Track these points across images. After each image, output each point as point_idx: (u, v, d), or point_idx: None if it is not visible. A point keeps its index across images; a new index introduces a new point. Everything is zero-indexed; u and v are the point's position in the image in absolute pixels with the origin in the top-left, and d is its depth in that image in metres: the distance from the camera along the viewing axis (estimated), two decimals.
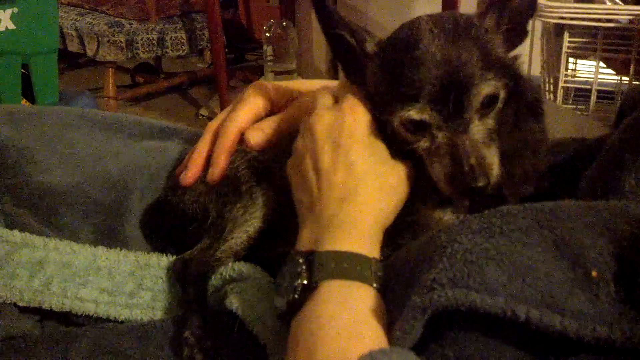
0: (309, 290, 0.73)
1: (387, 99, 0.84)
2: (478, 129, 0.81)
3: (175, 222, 1.07)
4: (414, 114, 0.80)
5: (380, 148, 0.85)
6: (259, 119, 1.00)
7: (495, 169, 0.81)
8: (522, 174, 0.90)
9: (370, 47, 0.87)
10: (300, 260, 0.76)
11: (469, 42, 0.80)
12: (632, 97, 0.96)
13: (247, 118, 0.99)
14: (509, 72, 0.84)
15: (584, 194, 0.83)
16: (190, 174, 0.99)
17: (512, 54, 0.89)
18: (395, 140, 0.85)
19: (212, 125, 1.03)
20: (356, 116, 0.85)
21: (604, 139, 0.92)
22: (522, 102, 0.88)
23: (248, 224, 0.97)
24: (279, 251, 0.86)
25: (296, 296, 0.73)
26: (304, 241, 0.80)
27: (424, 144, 0.83)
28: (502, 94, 0.82)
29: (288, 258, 0.78)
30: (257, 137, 0.96)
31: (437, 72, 0.78)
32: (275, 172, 0.98)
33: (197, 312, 0.92)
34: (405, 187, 0.85)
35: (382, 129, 0.86)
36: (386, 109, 0.83)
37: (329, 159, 0.83)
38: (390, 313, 0.71)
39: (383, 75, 0.85)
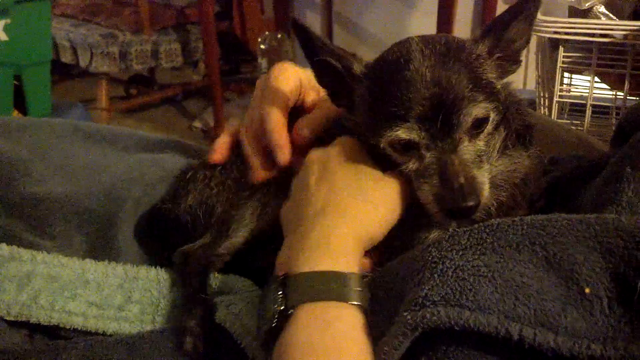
0: (286, 317, 0.72)
1: (375, 120, 0.83)
2: (468, 149, 0.81)
3: (170, 229, 1.07)
4: (402, 133, 0.80)
5: (367, 167, 0.85)
6: (294, 97, 1.02)
7: (485, 190, 0.80)
8: (510, 202, 0.89)
9: (358, 69, 0.88)
10: (274, 286, 0.75)
11: (459, 65, 0.80)
12: (633, 114, 0.96)
13: (287, 94, 1.00)
14: (500, 98, 0.84)
15: (586, 208, 0.82)
16: (287, 152, 0.97)
17: (505, 80, 0.90)
18: (384, 162, 0.85)
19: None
20: (346, 144, 0.88)
21: (605, 157, 0.92)
22: (511, 129, 0.89)
23: (253, 224, 0.98)
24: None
25: (274, 324, 0.72)
26: (281, 264, 0.79)
27: (412, 165, 0.82)
28: (492, 117, 0.82)
29: (267, 283, 0.78)
30: (307, 131, 0.98)
31: (427, 93, 0.78)
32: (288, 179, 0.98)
33: (201, 303, 0.91)
34: (396, 201, 0.84)
35: (372, 152, 0.86)
36: (375, 129, 0.83)
37: (314, 179, 0.85)
38: (377, 325, 0.70)
39: (372, 95, 0.85)
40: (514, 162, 0.90)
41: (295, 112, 1.03)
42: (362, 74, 0.88)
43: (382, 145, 0.83)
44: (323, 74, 0.91)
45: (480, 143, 0.82)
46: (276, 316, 0.72)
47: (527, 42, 0.88)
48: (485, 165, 0.82)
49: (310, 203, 0.82)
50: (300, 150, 0.97)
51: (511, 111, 0.89)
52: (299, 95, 1.03)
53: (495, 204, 0.87)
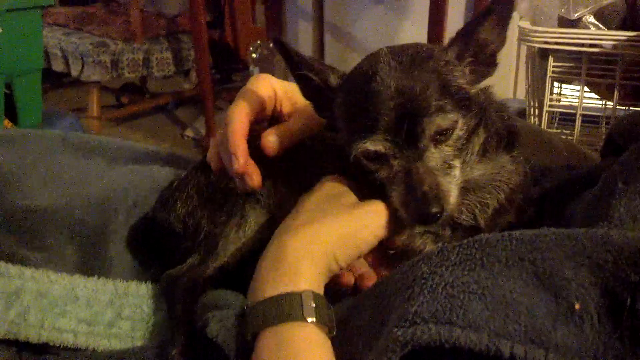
0: (248, 346, 0.74)
1: (348, 131, 0.86)
2: (434, 156, 0.82)
3: (162, 239, 1.06)
4: (369, 145, 0.82)
5: (342, 194, 0.87)
6: (264, 107, 1.01)
7: (451, 197, 0.82)
8: (494, 206, 0.90)
9: (333, 81, 0.90)
10: (235, 320, 0.77)
11: (425, 73, 0.82)
12: (624, 125, 0.96)
13: (252, 103, 0.99)
14: (474, 103, 0.85)
15: (577, 223, 0.83)
16: (239, 159, 0.96)
17: (485, 84, 0.91)
18: (359, 170, 0.87)
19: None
20: (327, 181, 0.90)
21: (596, 168, 0.92)
22: (490, 133, 0.89)
23: (241, 242, 0.97)
24: None
25: (239, 354, 0.74)
26: (249, 296, 0.80)
27: (383, 172, 0.84)
28: (459, 123, 0.83)
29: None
30: (274, 141, 0.97)
31: (392, 103, 0.80)
32: (267, 192, 0.99)
33: (185, 330, 0.90)
34: (369, 222, 0.84)
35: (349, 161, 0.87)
36: (348, 141, 0.85)
37: (295, 210, 0.87)
38: (364, 339, 0.70)
39: (345, 107, 0.88)
40: (496, 166, 0.91)
41: (274, 122, 1.03)
42: (337, 85, 0.90)
43: (354, 155, 0.84)
44: (305, 87, 0.93)
45: (448, 149, 0.83)
46: (240, 347, 0.75)
47: (502, 43, 0.88)
48: (454, 171, 0.84)
49: (278, 229, 0.85)
50: (262, 159, 0.97)
51: (490, 115, 0.90)
52: (275, 105, 1.03)
53: (478, 206, 0.89)
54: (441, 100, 0.80)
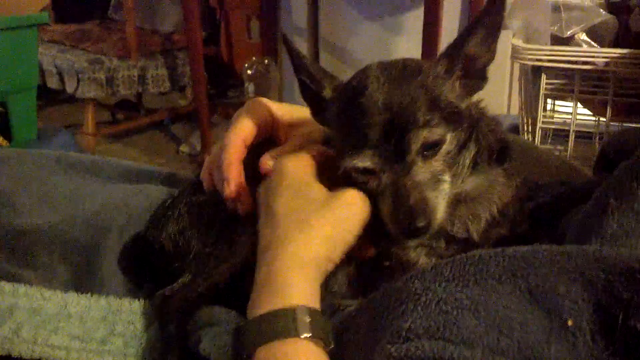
0: None
1: (338, 145, 0.87)
2: (421, 170, 0.82)
3: (154, 258, 1.06)
4: (358, 162, 0.83)
5: (310, 189, 0.86)
6: (260, 132, 1.02)
7: (438, 211, 0.82)
8: (486, 218, 0.90)
9: (327, 93, 0.91)
10: (228, 337, 0.77)
11: (413, 87, 0.82)
12: (616, 141, 0.97)
13: (249, 128, 1.00)
14: (464, 117, 0.85)
15: (570, 239, 0.83)
16: (231, 185, 0.96)
17: (476, 98, 0.91)
18: (350, 181, 0.87)
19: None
20: (284, 168, 0.88)
21: (589, 183, 0.92)
22: (481, 146, 0.89)
23: (232, 260, 0.96)
24: None
25: None
26: (247, 314, 0.80)
27: (372, 184, 0.85)
28: (448, 137, 0.83)
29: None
30: (272, 163, 0.96)
31: (379, 118, 0.81)
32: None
33: (176, 350, 0.90)
34: (347, 218, 0.84)
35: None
36: (338, 155, 0.87)
37: (262, 219, 0.87)
38: (356, 354, 0.70)
39: (335, 121, 0.89)
40: (488, 178, 0.91)
41: (270, 145, 1.03)
42: (330, 99, 0.91)
43: (343, 168, 0.85)
44: (304, 89, 0.95)
45: (437, 164, 0.84)
46: None
47: (492, 57, 0.89)
48: (443, 185, 0.84)
49: (260, 244, 0.84)
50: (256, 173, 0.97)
51: (482, 128, 0.90)
52: (271, 129, 1.04)
53: (470, 217, 0.89)
54: (429, 114, 0.81)
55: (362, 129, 0.81)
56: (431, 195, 0.82)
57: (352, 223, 0.84)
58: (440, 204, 0.83)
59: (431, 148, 0.82)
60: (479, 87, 0.90)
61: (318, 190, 0.86)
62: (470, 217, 0.89)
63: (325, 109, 0.92)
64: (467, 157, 0.88)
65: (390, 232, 0.83)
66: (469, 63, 0.88)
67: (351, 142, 0.83)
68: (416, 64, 0.87)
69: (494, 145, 0.92)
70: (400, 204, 0.81)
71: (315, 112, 0.96)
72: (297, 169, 0.88)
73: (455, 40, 0.88)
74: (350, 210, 0.84)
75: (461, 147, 0.86)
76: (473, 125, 0.87)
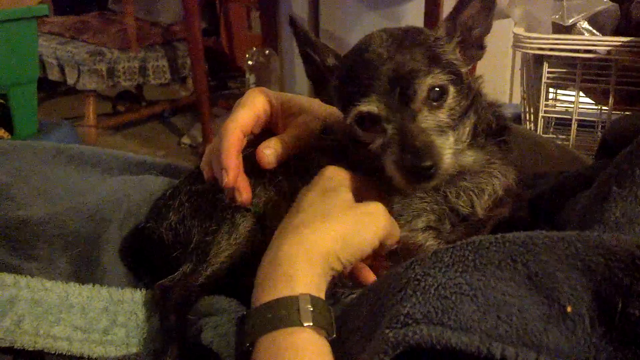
0: (247, 354, 0.72)
1: (344, 102, 0.90)
2: (427, 118, 0.85)
3: (155, 248, 1.06)
4: (363, 107, 0.85)
5: (339, 192, 0.86)
6: (259, 122, 1.03)
7: (445, 154, 0.83)
8: (490, 192, 0.92)
9: (330, 61, 0.96)
10: (234, 327, 0.77)
11: (415, 44, 0.87)
12: (618, 128, 0.97)
13: (247, 118, 1.01)
14: (464, 80, 0.90)
15: (572, 226, 0.83)
16: (230, 174, 0.97)
17: (477, 76, 0.96)
18: (357, 150, 0.90)
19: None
20: (325, 173, 0.90)
21: (589, 169, 0.92)
22: (480, 118, 0.92)
23: (232, 249, 0.97)
24: None
25: None
26: (251, 302, 0.79)
27: (378, 141, 0.87)
28: (451, 90, 0.87)
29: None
30: (269, 155, 0.99)
31: (384, 68, 0.84)
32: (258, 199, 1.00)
33: (177, 341, 0.90)
34: (367, 223, 0.84)
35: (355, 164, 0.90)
36: (343, 108, 0.90)
37: (294, 207, 0.87)
38: (358, 341, 0.70)
39: (340, 82, 0.92)
40: (486, 152, 0.93)
41: (270, 134, 1.04)
42: (333, 65, 0.96)
43: (349, 122, 0.88)
44: (308, 66, 1.00)
45: (442, 115, 0.86)
46: (240, 355, 0.73)
47: (488, 29, 0.94)
48: (448, 137, 0.86)
49: (278, 228, 0.84)
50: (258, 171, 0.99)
51: (480, 102, 0.93)
52: (270, 118, 1.05)
53: (475, 191, 0.91)
54: (432, 66, 0.85)
55: (367, 80, 0.85)
56: (438, 140, 0.84)
57: (371, 232, 0.84)
58: (446, 149, 0.84)
59: (436, 99, 0.85)
60: (478, 56, 0.95)
61: (346, 194, 0.87)
62: (475, 189, 0.91)
63: (329, 80, 0.95)
64: (468, 124, 0.91)
65: (397, 182, 0.85)
66: (466, 32, 0.93)
67: (356, 92, 0.86)
68: (418, 28, 0.93)
69: (491, 120, 0.94)
70: (406, 146, 0.82)
71: (318, 90, 0.99)
72: (335, 175, 0.90)
73: (452, 10, 0.93)
74: (371, 219, 0.84)
75: (462, 113, 0.89)
76: (473, 95, 0.91)
